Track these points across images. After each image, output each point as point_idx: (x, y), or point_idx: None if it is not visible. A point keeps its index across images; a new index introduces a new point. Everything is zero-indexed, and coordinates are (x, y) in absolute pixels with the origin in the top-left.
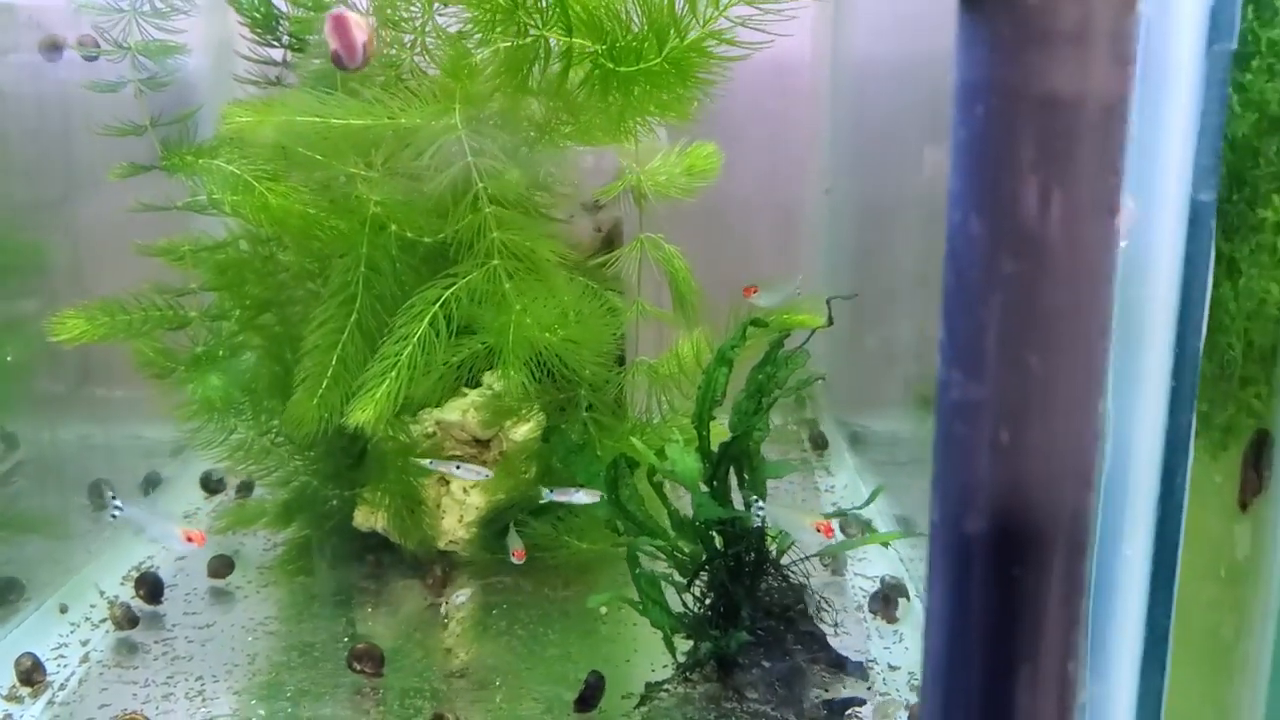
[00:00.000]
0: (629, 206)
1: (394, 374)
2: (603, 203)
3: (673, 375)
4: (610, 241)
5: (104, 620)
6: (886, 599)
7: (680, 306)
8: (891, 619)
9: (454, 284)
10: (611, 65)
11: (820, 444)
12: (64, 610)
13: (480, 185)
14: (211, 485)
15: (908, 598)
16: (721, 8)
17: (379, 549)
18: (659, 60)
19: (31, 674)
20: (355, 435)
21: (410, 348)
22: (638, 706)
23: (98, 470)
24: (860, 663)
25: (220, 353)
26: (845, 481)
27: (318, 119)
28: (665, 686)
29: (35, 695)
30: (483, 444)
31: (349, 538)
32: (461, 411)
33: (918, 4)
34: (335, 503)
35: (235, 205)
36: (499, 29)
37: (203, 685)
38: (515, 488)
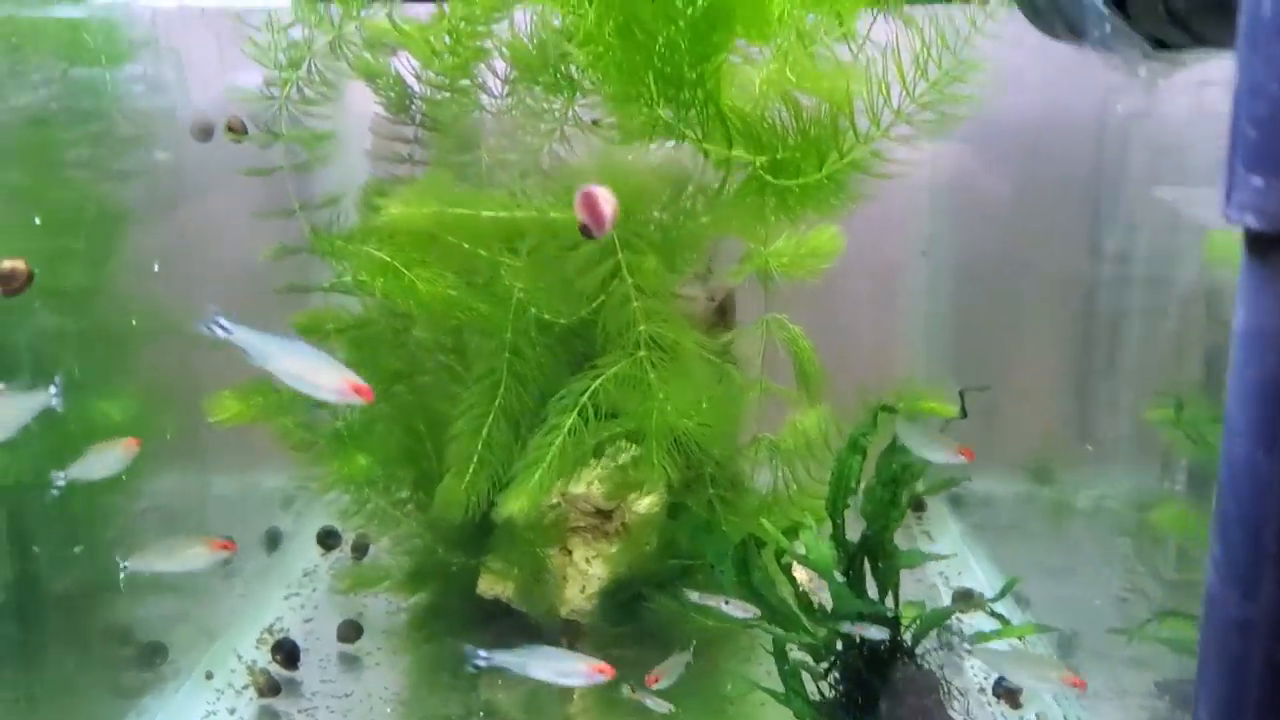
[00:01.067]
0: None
1: (546, 464)
2: (714, 271)
3: (799, 451)
4: (724, 310)
5: (246, 687)
6: (1006, 687)
7: (805, 385)
8: (1016, 704)
9: (601, 374)
10: (770, 178)
11: (920, 506)
12: (209, 677)
13: (630, 281)
14: (328, 542)
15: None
16: (882, 129)
17: (501, 616)
18: (819, 176)
19: None
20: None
21: (561, 438)
22: None
23: (218, 523)
24: None
25: (356, 427)
26: (948, 546)
27: (469, 211)
28: None
29: None
30: (605, 515)
31: (472, 604)
32: (586, 484)
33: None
34: (459, 569)
35: (386, 289)
36: (657, 138)
37: None
38: (637, 560)
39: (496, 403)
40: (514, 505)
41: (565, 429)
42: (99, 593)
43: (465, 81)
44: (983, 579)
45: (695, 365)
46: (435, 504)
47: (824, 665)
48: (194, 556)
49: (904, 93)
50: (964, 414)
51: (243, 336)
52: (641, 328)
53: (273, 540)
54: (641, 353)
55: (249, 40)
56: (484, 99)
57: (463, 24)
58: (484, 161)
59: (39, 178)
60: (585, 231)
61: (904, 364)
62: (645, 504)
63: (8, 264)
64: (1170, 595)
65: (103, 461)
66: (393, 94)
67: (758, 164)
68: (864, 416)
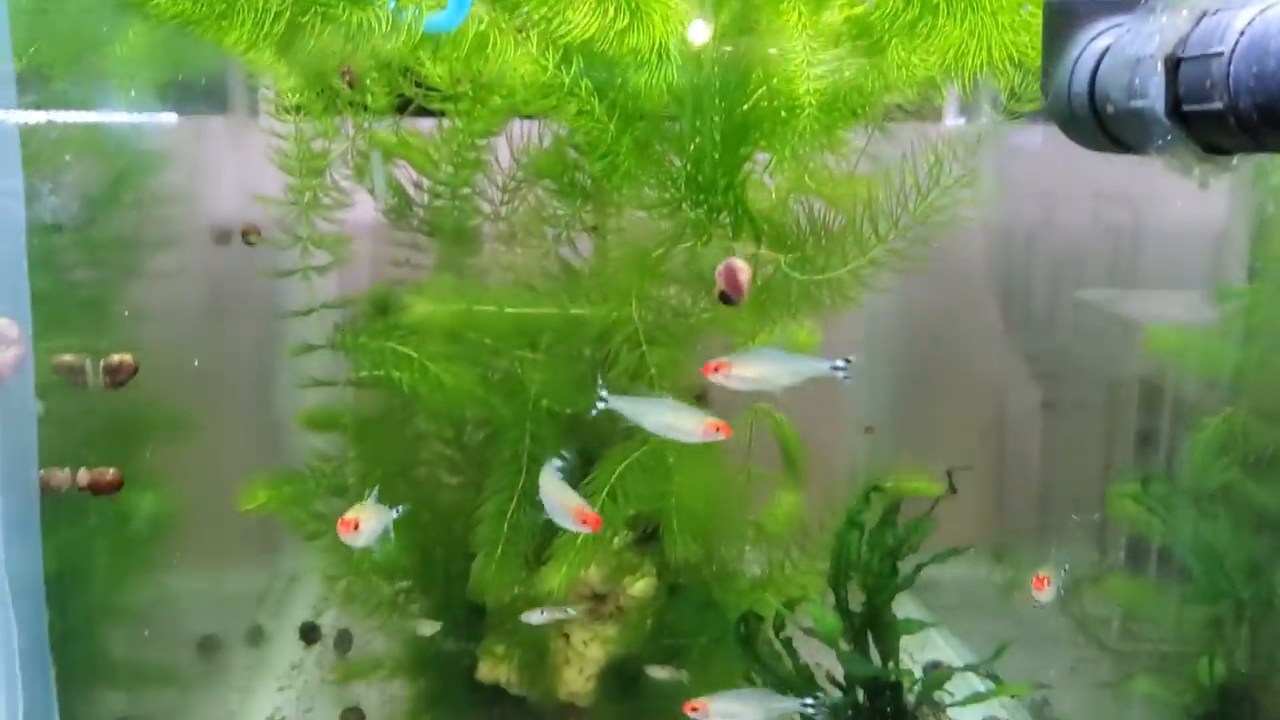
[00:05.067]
0: None
1: (579, 543)
2: None
3: (780, 533)
4: (701, 399)
5: None
6: None
7: (790, 469)
8: None
9: (625, 461)
10: (796, 274)
11: None
12: None
13: (652, 371)
14: (310, 636)
15: None
16: (900, 229)
17: (498, 702)
18: (845, 271)
19: None
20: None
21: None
22: None
23: (200, 618)
24: None
25: None
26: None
27: (493, 308)
28: None
29: None
30: (601, 599)
31: (471, 689)
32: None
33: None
34: (456, 655)
35: (411, 383)
36: (686, 241)
37: None
38: (634, 641)
39: (519, 486)
40: (553, 581)
41: (597, 508)
42: (101, 684)
43: (466, 189)
44: (950, 653)
45: (705, 452)
46: (471, 586)
47: None
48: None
49: (918, 197)
50: (953, 490)
51: (617, 403)
52: None
53: (256, 636)
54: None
55: (274, 150)
56: (484, 205)
57: (464, 136)
58: (484, 264)
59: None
60: (725, 298)
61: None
62: (640, 587)
63: (116, 358)
64: (1117, 663)
65: None
66: (393, 202)
67: (784, 260)
68: (857, 497)
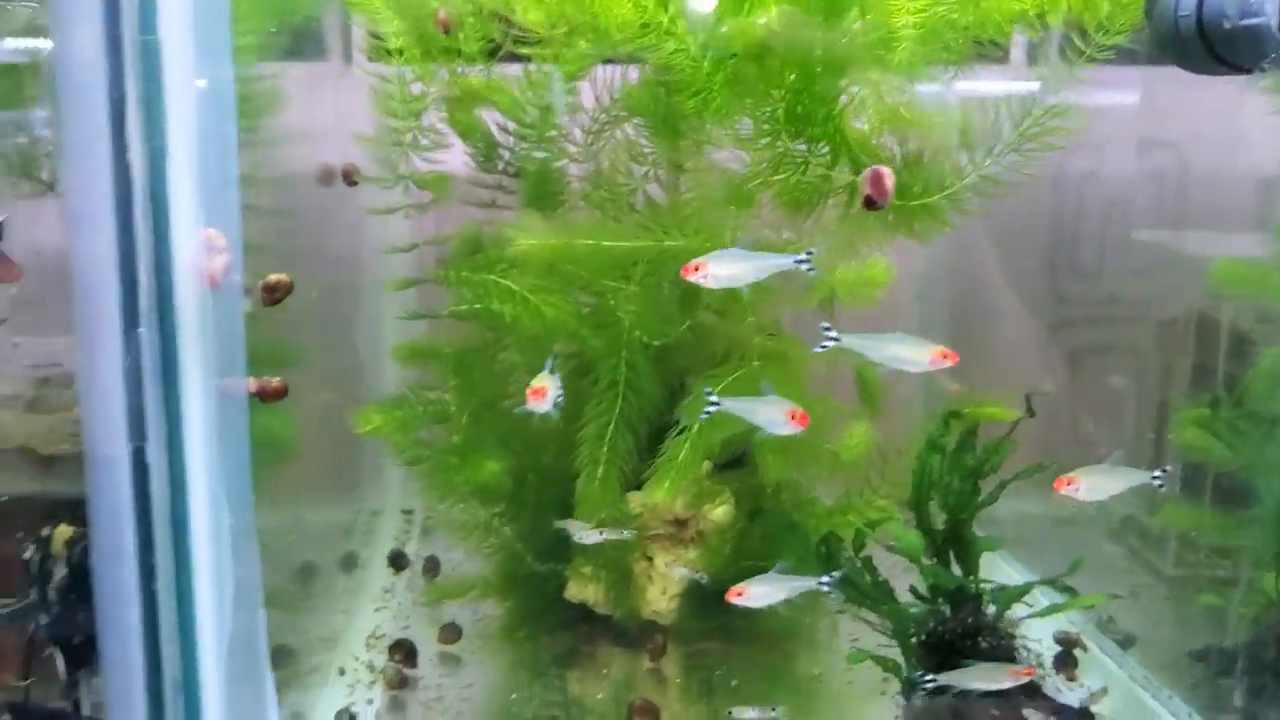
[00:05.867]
0: None
1: (681, 457)
2: None
3: (854, 461)
4: (772, 333)
5: (374, 682)
6: (1066, 657)
7: (866, 400)
8: (1072, 677)
9: (724, 382)
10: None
11: None
12: (342, 673)
13: (748, 300)
14: (398, 563)
15: (1085, 649)
16: (995, 155)
17: (584, 620)
18: (940, 197)
19: None
20: (566, 514)
21: (692, 436)
22: None
23: (304, 548)
24: (1085, 708)
25: (464, 445)
26: None
27: (592, 242)
28: None
29: None
30: (682, 524)
31: (559, 608)
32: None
33: None
34: (544, 576)
35: (515, 314)
36: (783, 171)
37: None
38: (713, 563)
39: (617, 411)
40: (658, 493)
41: (695, 429)
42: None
43: (551, 131)
44: (1013, 575)
45: (793, 381)
46: (578, 499)
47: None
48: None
49: (1013, 128)
50: (1031, 414)
51: (850, 340)
52: (757, 340)
53: (350, 563)
54: (756, 363)
55: (375, 94)
56: (569, 146)
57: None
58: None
59: None
60: (870, 203)
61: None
62: (719, 513)
63: (274, 277)
64: (1173, 588)
65: None
66: (479, 145)
67: None
68: (936, 422)
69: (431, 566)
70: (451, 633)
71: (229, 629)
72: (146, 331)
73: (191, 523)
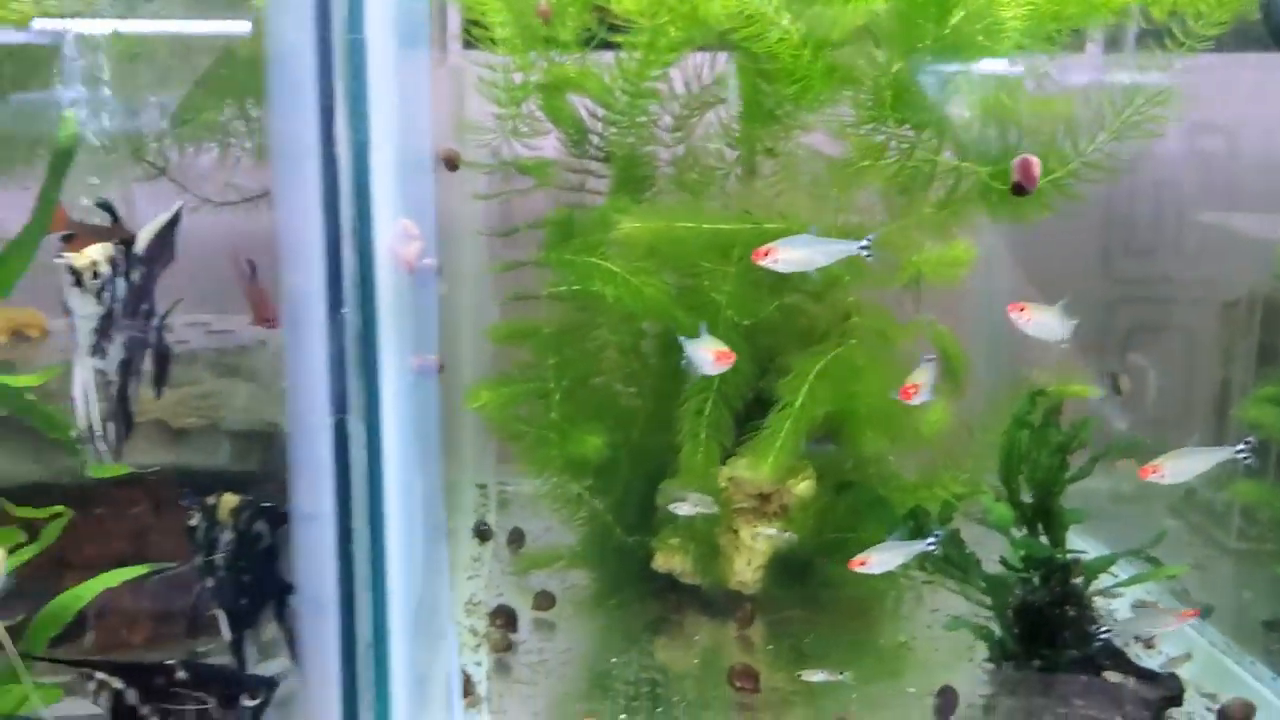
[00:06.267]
0: None
1: (786, 429)
2: None
3: (934, 436)
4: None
5: (478, 646)
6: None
7: (951, 378)
8: (1150, 644)
9: (824, 359)
10: (999, 185)
11: None
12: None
13: (846, 279)
14: (483, 534)
15: None
16: (1097, 142)
17: (671, 589)
18: (1045, 181)
19: (466, 687)
20: (652, 488)
21: (795, 411)
22: (987, 715)
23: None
24: (1172, 673)
25: (563, 419)
26: None
27: (692, 225)
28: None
29: (473, 705)
30: (765, 498)
31: (646, 577)
32: (750, 469)
33: None
34: (631, 548)
35: (616, 295)
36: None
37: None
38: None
39: (714, 388)
40: (762, 467)
41: (798, 404)
42: None
43: (642, 118)
44: (1086, 548)
45: (884, 358)
46: (681, 469)
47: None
48: None
49: (1114, 115)
50: (1118, 391)
51: None
52: (855, 319)
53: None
54: (853, 340)
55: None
56: (659, 132)
57: (642, 67)
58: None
59: None
60: (1019, 189)
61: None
62: (802, 487)
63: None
64: (1238, 562)
65: None
66: (572, 131)
67: (984, 173)
68: (1023, 400)
69: (516, 538)
70: (545, 600)
71: (417, 592)
72: (350, 312)
73: (386, 489)
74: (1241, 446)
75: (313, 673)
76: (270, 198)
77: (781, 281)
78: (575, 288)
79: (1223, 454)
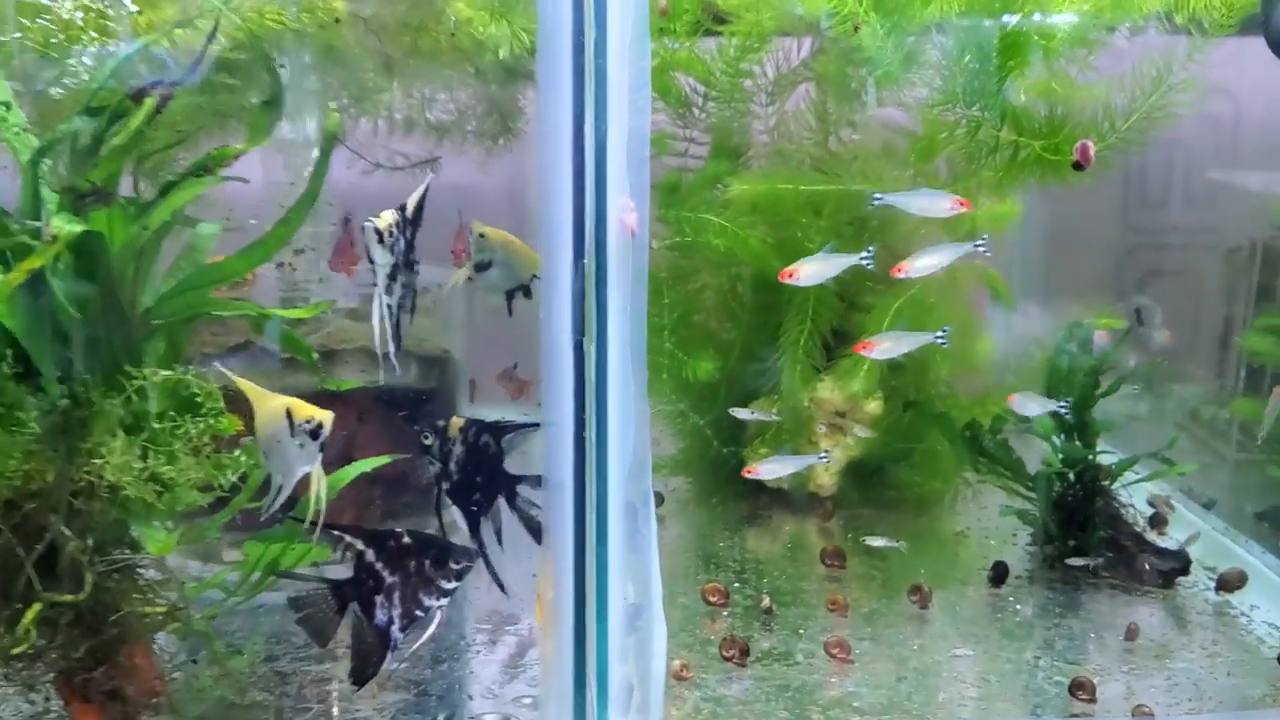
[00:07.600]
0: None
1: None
2: None
3: (983, 364)
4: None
5: None
6: (1156, 516)
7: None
8: (1162, 532)
9: (901, 299)
10: (1050, 156)
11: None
12: None
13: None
14: None
15: (1172, 509)
16: (1133, 118)
17: (760, 492)
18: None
19: None
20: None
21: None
22: (1031, 584)
23: None
24: (1182, 550)
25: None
26: None
27: (791, 186)
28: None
29: None
30: (841, 415)
31: (737, 483)
32: (829, 390)
33: None
34: (726, 457)
35: (727, 246)
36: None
37: (714, 570)
38: (867, 446)
39: (809, 320)
40: (855, 385)
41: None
42: None
43: (739, 95)
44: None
45: (954, 296)
46: (783, 391)
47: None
48: None
49: (1144, 98)
50: (1141, 322)
51: (890, 198)
52: None
53: None
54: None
55: None
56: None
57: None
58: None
59: None
60: (1078, 166)
61: None
62: (872, 406)
63: None
64: (1237, 469)
65: None
66: (676, 105)
67: (1037, 146)
68: (1063, 330)
69: None
70: (655, 499)
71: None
72: (588, 261)
73: (609, 396)
74: (940, 334)
75: (553, 536)
76: (435, 163)
77: (863, 236)
78: (690, 239)
79: (925, 338)
